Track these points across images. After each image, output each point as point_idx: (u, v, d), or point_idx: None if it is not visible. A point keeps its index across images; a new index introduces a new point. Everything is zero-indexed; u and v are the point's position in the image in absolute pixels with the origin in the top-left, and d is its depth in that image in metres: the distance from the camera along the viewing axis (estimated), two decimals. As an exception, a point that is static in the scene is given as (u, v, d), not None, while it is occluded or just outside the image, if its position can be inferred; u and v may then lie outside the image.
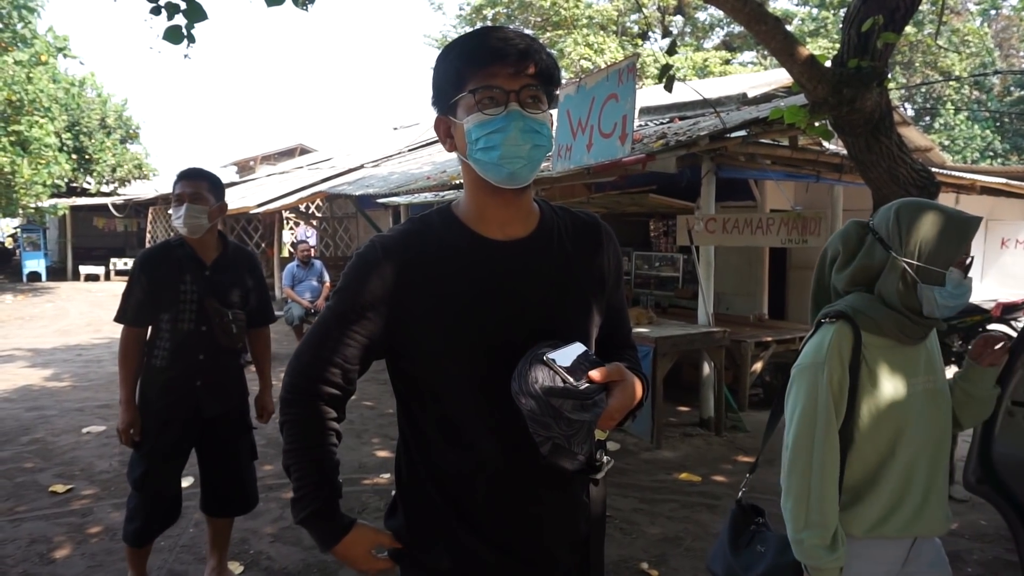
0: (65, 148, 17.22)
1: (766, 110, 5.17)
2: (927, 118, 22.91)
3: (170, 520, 2.79)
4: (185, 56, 4.29)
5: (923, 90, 22.81)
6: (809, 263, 7.80)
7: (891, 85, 3.51)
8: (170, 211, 2.79)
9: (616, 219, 8.23)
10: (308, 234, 16.39)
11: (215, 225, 2.74)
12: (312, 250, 8.89)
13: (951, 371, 2.46)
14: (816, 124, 3.66)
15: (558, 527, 1.26)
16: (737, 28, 25.49)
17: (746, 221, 5.04)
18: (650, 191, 6.01)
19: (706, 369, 5.44)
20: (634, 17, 24.88)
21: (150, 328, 2.70)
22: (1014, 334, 6.46)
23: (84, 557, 3.24)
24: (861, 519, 1.52)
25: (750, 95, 6.64)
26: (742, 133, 4.85)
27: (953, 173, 6.97)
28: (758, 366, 5.98)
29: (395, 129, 21.78)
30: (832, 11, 21.88)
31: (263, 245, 16.72)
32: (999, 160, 21.16)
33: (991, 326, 6.45)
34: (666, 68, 3.71)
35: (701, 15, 25.77)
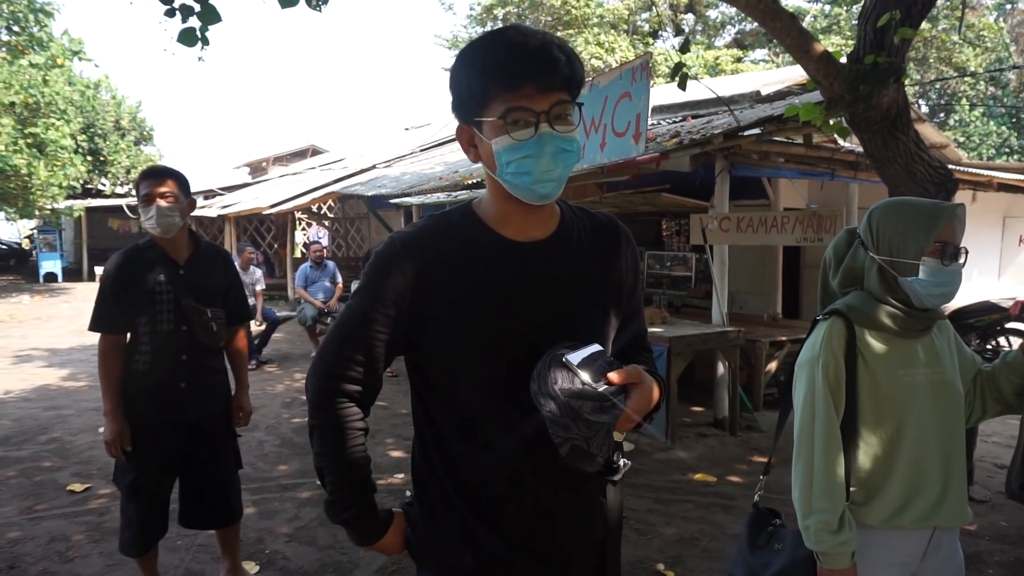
0: (80, 150, 17.39)
1: (780, 108, 5.13)
2: (941, 115, 22.65)
3: (163, 530, 2.71)
4: (199, 58, 4.31)
5: (938, 86, 22.56)
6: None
7: (906, 81, 3.47)
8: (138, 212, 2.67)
9: (628, 218, 8.19)
10: (320, 235, 16.48)
11: (186, 223, 2.66)
12: (325, 251, 8.93)
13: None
14: (832, 121, 3.63)
15: (575, 527, 1.26)
16: (749, 26, 25.32)
17: (760, 220, 5.00)
18: (663, 190, 5.98)
19: (720, 369, 5.41)
20: (645, 16, 24.79)
21: (129, 333, 2.62)
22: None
23: (102, 556, 3.27)
24: (877, 510, 1.54)
25: (763, 93, 6.59)
26: (756, 131, 4.81)
27: (969, 170, 6.88)
28: (772, 366, 5.93)
29: (407, 129, 21.83)
30: (845, 7, 21.69)
31: (275, 246, 16.82)
32: (1015, 157, 20.88)
33: (1009, 324, 6.39)
34: (679, 66, 3.69)
35: (712, 13, 25.63)
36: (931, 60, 21.82)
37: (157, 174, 2.60)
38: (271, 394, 6.68)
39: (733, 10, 25.36)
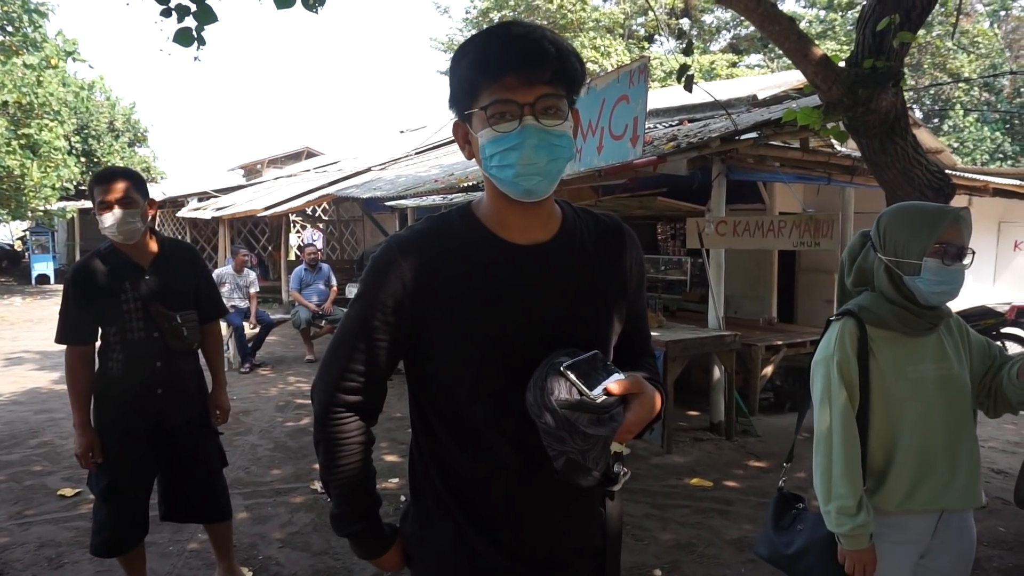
0: (74, 151, 17.32)
1: (777, 112, 5.13)
2: (936, 120, 22.76)
3: (142, 532, 2.65)
4: (195, 58, 4.28)
5: (932, 92, 22.69)
6: (818, 266, 7.73)
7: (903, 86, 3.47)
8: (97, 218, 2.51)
9: (623, 222, 8.18)
10: (314, 237, 16.43)
11: (147, 225, 2.55)
12: (319, 253, 8.88)
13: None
14: (830, 125, 3.62)
15: (573, 535, 1.23)
16: (744, 31, 25.43)
17: (757, 223, 5.00)
18: (660, 194, 5.97)
19: (716, 373, 5.39)
20: (641, 20, 24.85)
21: (99, 341, 2.55)
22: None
23: (92, 562, 3.22)
24: (889, 496, 1.68)
25: (760, 97, 6.59)
26: (753, 135, 4.80)
27: (965, 175, 6.90)
28: (768, 370, 5.92)
29: (402, 132, 21.80)
30: (840, 13, 21.80)
31: (270, 248, 16.76)
32: (1009, 162, 21.00)
33: (1005, 329, 6.40)
34: (684, 68, 3.67)
35: (708, 18, 25.71)
36: (925, 66, 21.94)
37: (112, 178, 2.46)
38: (264, 397, 6.63)
39: (728, 15, 25.46)
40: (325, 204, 14.72)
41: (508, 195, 1.13)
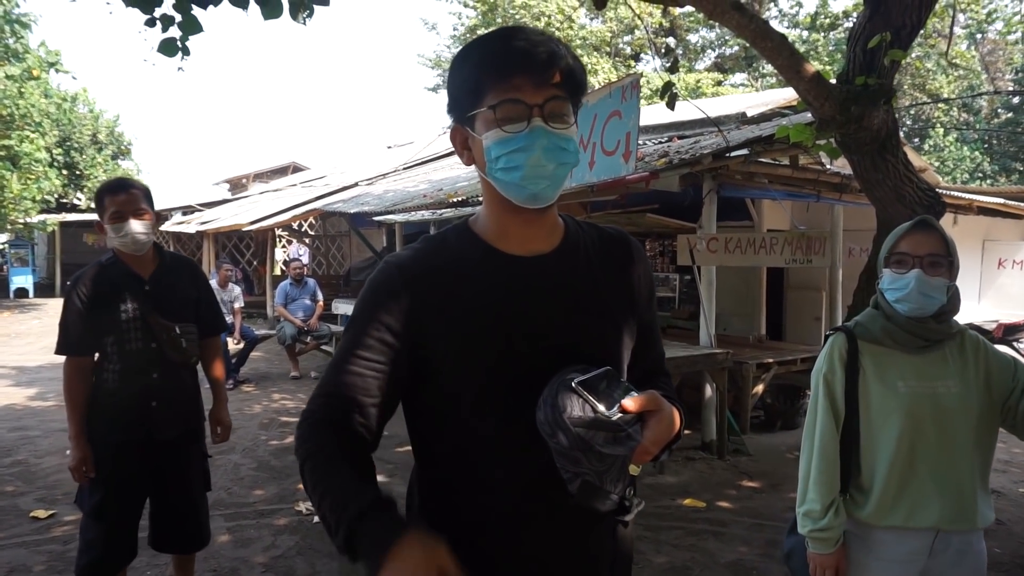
0: (56, 163, 17.06)
1: (767, 129, 5.14)
2: (916, 139, 23.14)
3: (131, 554, 2.55)
4: (179, 69, 4.22)
5: (912, 111, 23.07)
6: (807, 283, 7.75)
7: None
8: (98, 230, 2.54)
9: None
10: (301, 252, 16.28)
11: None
12: (305, 268, 8.77)
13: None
14: (822, 142, 3.61)
15: (579, 571, 1.16)
16: (729, 50, 25.77)
17: (748, 240, 4.98)
18: (651, 210, 5.95)
19: (708, 391, 5.35)
20: (627, 39, 25.12)
21: (96, 353, 2.52)
22: (1016, 355, 6.46)
23: (64, 589, 3.09)
24: (874, 510, 1.69)
25: (748, 115, 6.62)
26: (744, 152, 4.80)
27: (951, 193, 6.96)
28: (759, 388, 5.89)
29: (389, 148, 21.77)
30: (823, 33, 22.16)
31: (255, 263, 16.59)
32: (988, 181, 21.36)
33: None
34: (668, 85, 3.66)
35: (693, 37, 26.05)
36: (905, 86, 22.32)
37: (124, 188, 2.48)
38: (248, 415, 6.49)
39: (713, 34, 25.82)
40: (311, 219, 14.61)
41: (512, 201, 1.07)
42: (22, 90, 13.62)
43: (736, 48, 25.38)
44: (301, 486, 4.18)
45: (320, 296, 8.52)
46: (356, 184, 14.12)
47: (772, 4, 24.18)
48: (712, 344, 5.46)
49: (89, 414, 2.49)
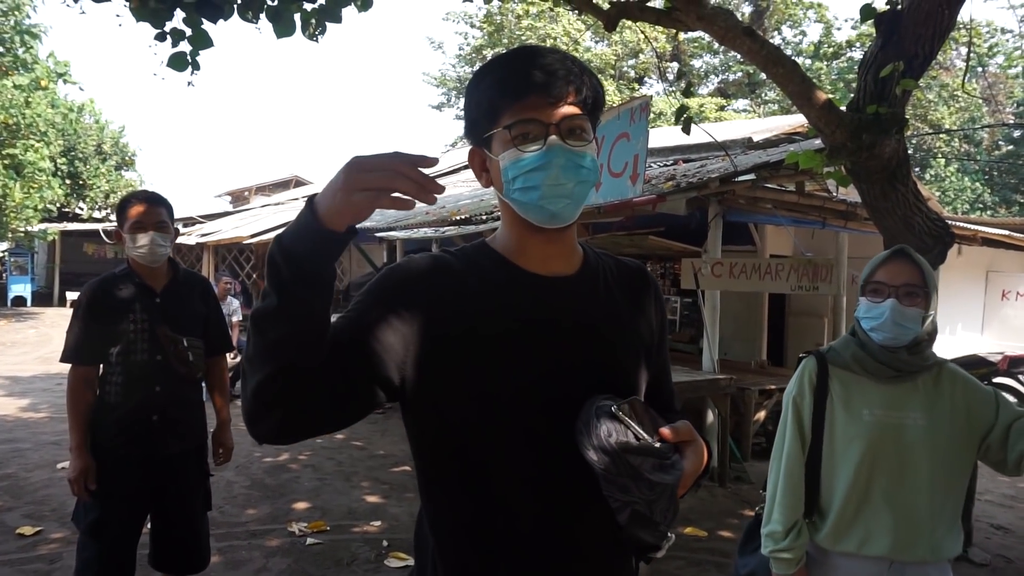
0: (59, 173, 17.11)
1: (775, 155, 5.13)
2: (917, 169, 23.26)
3: (132, 573, 2.47)
4: (189, 83, 4.21)
5: (913, 141, 23.23)
6: (809, 310, 7.71)
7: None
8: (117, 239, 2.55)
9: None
10: (301, 266, 16.22)
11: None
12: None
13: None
14: (832, 169, 3.60)
15: None
16: (732, 76, 26.00)
17: (754, 266, 4.95)
18: (657, 233, 5.93)
19: (710, 417, 5.28)
20: (631, 62, 25.35)
21: (101, 363, 2.48)
22: (1021, 388, 6.39)
23: (49, 609, 3.00)
24: (829, 535, 1.71)
25: (754, 140, 6.63)
26: (751, 177, 4.79)
27: (956, 223, 6.94)
28: (761, 414, 5.81)
29: (392, 164, 21.81)
30: (826, 62, 22.36)
31: (254, 276, 16.53)
32: (989, 212, 21.44)
33: (997, 379, 6.36)
34: (682, 109, 3.65)
35: (697, 63, 26.30)
36: (907, 116, 22.49)
37: (151, 200, 2.49)
38: (242, 431, 6.34)
39: (717, 60, 26.08)
40: (313, 233, 14.56)
41: (531, 222, 1.04)
42: (29, 100, 13.69)
43: (739, 75, 25.62)
44: (295, 506, 4.06)
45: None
46: (359, 200, 14.10)
47: (776, 33, 24.45)
48: (715, 369, 5.40)
49: (92, 426, 2.44)
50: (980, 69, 24.45)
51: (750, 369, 6.70)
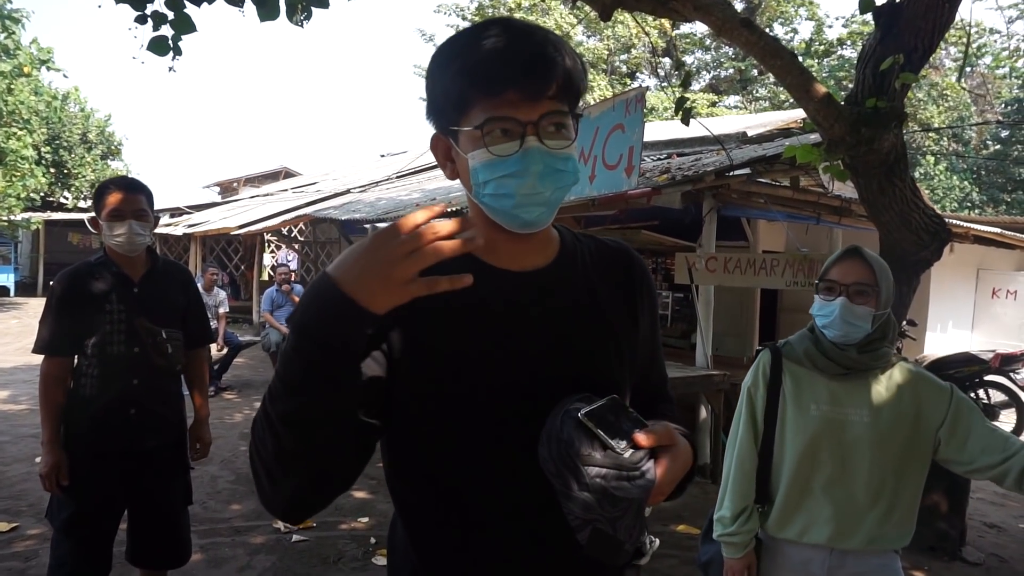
0: (43, 161, 16.83)
1: (771, 149, 5.08)
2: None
3: (106, 573, 2.40)
4: (170, 69, 4.08)
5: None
6: (801, 305, 7.67)
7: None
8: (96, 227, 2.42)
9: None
10: (289, 257, 16.11)
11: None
12: (292, 274, 8.61)
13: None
14: (829, 163, 3.54)
15: None
16: (724, 72, 26.00)
17: (748, 261, 4.90)
18: (650, 227, 5.87)
19: (703, 413, 5.24)
20: (624, 57, 25.28)
21: (76, 355, 2.40)
22: (1012, 386, 6.39)
23: (24, 608, 2.91)
24: (775, 523, 1.78)
25: (749, 135, 6.59)
26: (746, 171, 4.74)
27: (950, 221, 6.95)
28: (753, 411, 5.79)
29: (382, 156, 21.70)
30: (817, 60, 22.38)
31: (242, 267, 16.39)
32: (977, 211, 21.59)
33: (988, 376, 6.37)
34: (681, 101, 3.59)
35: (689, 58, 26.26)
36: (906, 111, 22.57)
37: (130, 188, 2.39)
38: (228, 424, 6.31)
39: (709, 56, 26.05)
40: (301, 225, 14.46)
41: (501, 225, 0.96)
42: (11, 87, 13.44)
43: (731, 71, 25.61)
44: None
45: (307, 304, 8.35)
46: (348, 191, 13.98)
47: (767, 30, 24.45)
48: (709, 365, 5.36)
49: (65, 424, 2.35)
50: (969, 69, 24.59)
51: (742, 364, 6.67)
